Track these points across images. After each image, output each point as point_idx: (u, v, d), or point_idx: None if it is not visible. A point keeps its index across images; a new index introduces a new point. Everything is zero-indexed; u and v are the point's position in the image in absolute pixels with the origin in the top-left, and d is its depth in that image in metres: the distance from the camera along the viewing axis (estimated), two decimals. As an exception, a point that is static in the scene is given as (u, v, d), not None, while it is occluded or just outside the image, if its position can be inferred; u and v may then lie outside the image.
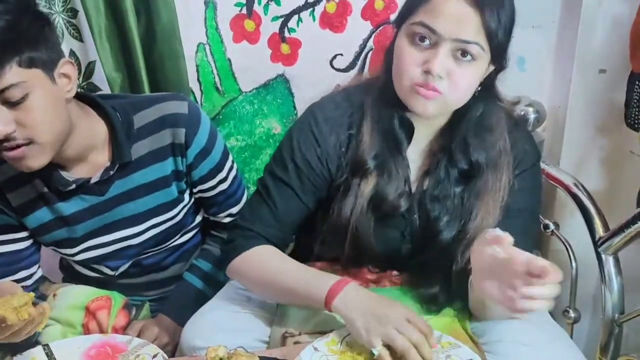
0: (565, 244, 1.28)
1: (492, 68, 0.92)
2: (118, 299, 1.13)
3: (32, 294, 0.83)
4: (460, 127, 0.96)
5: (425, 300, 0.99)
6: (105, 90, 1.39)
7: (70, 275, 1.24)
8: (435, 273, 0.98)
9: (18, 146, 0.88)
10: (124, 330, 1.11)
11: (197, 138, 1.06)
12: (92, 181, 1.03)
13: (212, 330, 0.94)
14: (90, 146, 1.01)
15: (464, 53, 0.87)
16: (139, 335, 1.08)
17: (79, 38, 1.38)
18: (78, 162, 1.02)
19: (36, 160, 0.91)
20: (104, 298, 1.11)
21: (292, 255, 1.00)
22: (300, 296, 0.92)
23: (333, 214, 0.98)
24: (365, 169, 0.96)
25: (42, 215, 1.06)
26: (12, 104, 0.86)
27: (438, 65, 0.86)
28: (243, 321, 0.97)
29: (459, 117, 0.96)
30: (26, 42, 0.86)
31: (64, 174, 1.01)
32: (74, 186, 1.02)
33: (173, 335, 1.11)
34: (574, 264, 1.26)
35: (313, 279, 0.92)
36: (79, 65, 1.40)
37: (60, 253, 1.16)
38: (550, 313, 1.02)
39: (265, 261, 0.97)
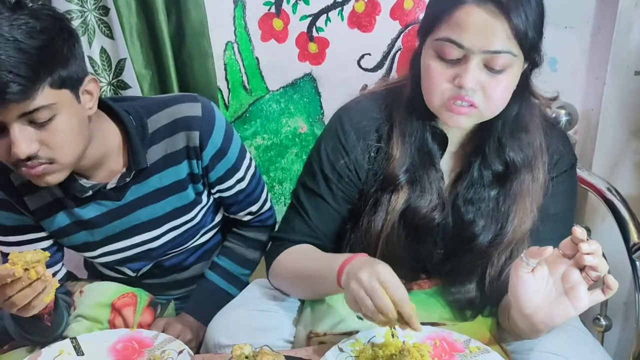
0: (597, 249, 1.24)
1: (525, 66, 0.89)
2: (144, 296, 1.14)
3: (47, 253, 0.82)
4: (494, 128, 0.93)
5: (461, 306, 0.97)
6: (135, 86, 1.41)
7: (94, 274, 1.25)
8: (471, 278, 0.96)
9: (39, 164, 0.88)
10: (148, 327, 1.11)
11: (212, 140, 1.04)
12: (108, 187, 1.03)
13: (237, 328, 0.94)
14: (106, 153, 1.00)
15: (496, 63, 0.83)
16: (162, 332, 1.08)
17: (110, 35, 1.40)
18: (94, 169, 1.01)
19: (55, 177, 0.91)
20: (130, 295, 1.12)
21: None
22: (321, 279, 0.90)
23: (362, 227, 0.96)
24: (397, 183, 0.94)
25: (60, 219, 1.06)
26: (37, 125, 0.85)
27: (470, 80, 0.82)
28: (268, 320, 0.97)
29: (492, 119, 0.93)
30: (59, 62, 0.85)
31: (81, 180, 1.01)
32: (90, 192, 1.02)
33: (196, 332, 1.11)
34: (605, 271, 1.23)
35: (330, 259, 0.90)
36: (109, 62, 1.42)
37: (81, 255, 1.17)
38: (582, 321, 1.00)
39: (296, 255, 0.98)
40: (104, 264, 1.18)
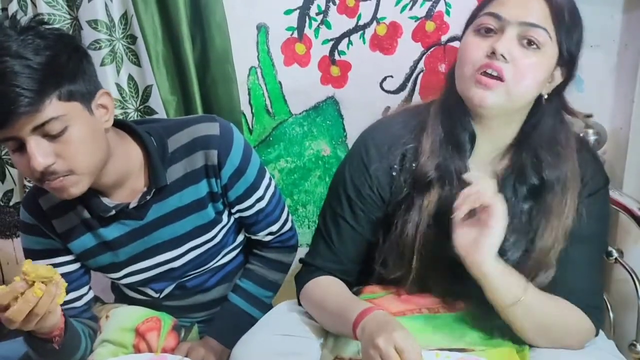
0: (631, 272, 1.21)
1: (560, 80, 0.90)
2: (167, 320, 1.15)
3: (58, 275, 0.86)
4: (531, 141, 0.93)
5: (489, 330, 0.95)
6: (161, 112, 1.44)
7: (120, 297, 1.27)
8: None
9: (58, 177, 0.91)
10: (172, 351, 1.11)
11: (230, 158, 1.06)
12: (131, 206, 1.05)
13: (262, 353, 0.93)
14: (128, 172, 1.03)
15: (530, 42, 0.86)
16: (186, 357, 1.08)
17: (137, 63, 1.43)
18: (116, 188, 1.04)
19: (76, 187, 0.93)
20: (154, 319, 1.13)
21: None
22: (340, 322, 0.91)
23: (396, 231, 0.96)
24: (428, 181, 0.94)
25: (85, 241, 1.08)
26: (51, 137, 0.89)
27: (503, 46, 0.85)
28: (293, 344, 0.96)
29: (528, 131, 0.93)
30: (65, 76, 0.89)
31: (104, 200, 1.04)
32: (113, 212, 1.04)
33: (220, 357, 1.11)
34: (640, 294, 1.19)
35: (347, 305, 0.91)
36: (136, 89, 1.45)
37: (107, 277, 1.18)
38: (617, 347, 0.96)
39: (321, 290, 0.99)
40: (128, 285, 1.19)
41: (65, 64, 0.90)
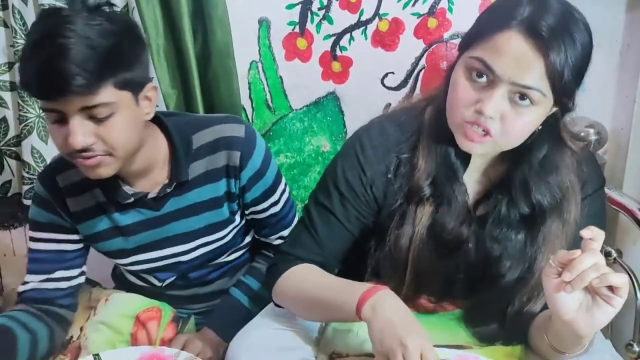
0: (629, 273, 1.21)
1: (555, 110, 0.85)
2: (168, 311, 1.15)
3: None
4: (520, 169, 0.89)
5: (481, 337, 0.95)
6: (161, 106, 1.43)
7: (121, 284, 1.27)
8: (493, 312, 0.94)
9: (94, 156, 0.92)
10: (170, 342, 1.11)
11: (251, 161, 1.08)
12: (150, 196, 1.06)
13: (259, 348, 0.92)
14: (153, 162, 1.04)
15: (523, 96, 0.80)
16: (183, 349, 1.08)
17: (138, 56, 1.43)
18: (140, 177, 1.05)
19: (107, 169, 0.94)
20: (155, 309, 1.13)
21: None
22: (334, 307, 0.89)
23: (390, 242, 0.94)
24: (422, 195, 0.92)
25: (98, 223, 1.09)
26: (96, 119, 0.90)
27: (491, 108, 0.80)
28: (289, 340, 0.96)
29: (519, 158, 0.90)
30: (124, 64, 0.90)
31: (125, 187, 1.05)
32: (132, 199, 1.05)
33: (217, 350, 1.11)
34: (638, 295, 1.19)
35: (346, 287, 0.89)
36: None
37: (113, 261, 1.19)
38: (614, 347, 0.96)
39: (303, 277, 0.96)
40: (132, 272, 1.20)
41: (126, 52, 0.91)
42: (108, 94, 0.88)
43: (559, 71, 0.77)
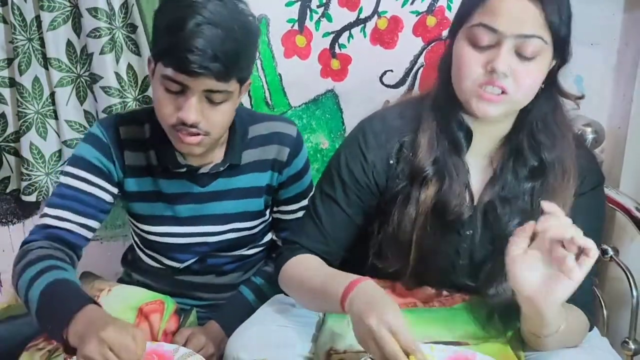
0: (625, 271, 1.22)
1: (554, 63, 0.90)
2: (170, 303, 1.15)
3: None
4: (527, 125, 0.93)
5: (483, 323, 0.96)
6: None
7: (134, 268, 1.26)
8: (495, 294, 0.94)
9: (197, 134, 0.99)
10: (173, 335, 1.12)
11: (296, 160, 1.17)
12: (201, 171, 1.11)
13: (257, 344, 0.93)
14: (216, 143, 1.09)
15: (526, 52, 0.85)
16: (185, 343, 1.09)
17: (137, 52, 1.43)
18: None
19: (201, 148, 1.02)
20: (158, 302, 1.13)
21: (341, 269, 0.99)
22: (326, 298, 0.89)
23: (393, 223, 0.96)
24: (424, 175, 0.94)
25: (143, 183, 1.13)
26: (211, 102, 0.98)
27: (502, 63, 0.84)
28: (287, 336, 0.96)
29: (523, 117, 0.93)
30: (251, 61, 1.03)
31: (179, 157, 1.09)
32: (184, 169, 1.10)
33: (220, 345, 1.12)
34: (634, 293, 1.20)
35: (332, 278, 0.90)
36: (135, 78, 1.45)
37: (139, 229, 1.18)
38: (610, 344, 0.97)
39: (303, 267, 0.97)
40: (155, 248, 1.20)
41: (254, 51, 1.03)
42: (231, 84, 0.97)
43: (556, 16, 0.84)
